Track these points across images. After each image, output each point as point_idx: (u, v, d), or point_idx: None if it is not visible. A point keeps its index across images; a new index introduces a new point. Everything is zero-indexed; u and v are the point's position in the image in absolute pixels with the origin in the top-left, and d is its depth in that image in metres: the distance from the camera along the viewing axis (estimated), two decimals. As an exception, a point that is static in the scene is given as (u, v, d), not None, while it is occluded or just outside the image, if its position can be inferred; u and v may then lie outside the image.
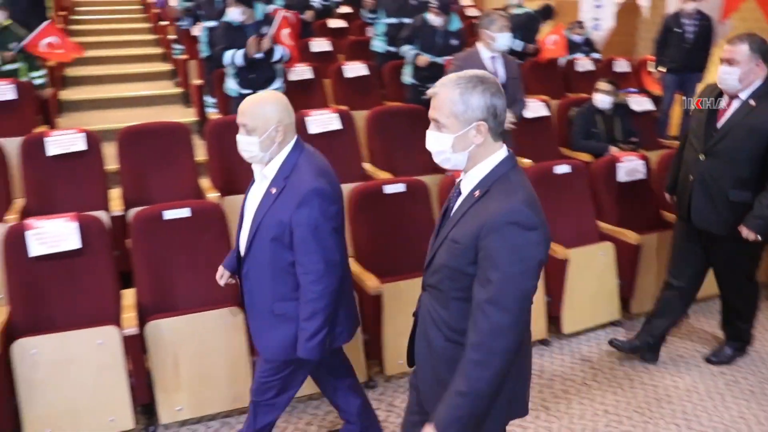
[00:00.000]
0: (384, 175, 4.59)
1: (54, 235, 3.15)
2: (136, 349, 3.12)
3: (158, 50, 9.01)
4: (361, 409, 2.89)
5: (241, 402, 3.32)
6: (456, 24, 5.87)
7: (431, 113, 1.91)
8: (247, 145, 2.45)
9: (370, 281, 3.45)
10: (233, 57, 5.10)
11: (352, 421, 2.91)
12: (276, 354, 2.60)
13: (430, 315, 2.02)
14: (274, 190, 2.45)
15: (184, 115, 6.72)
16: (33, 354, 3.00)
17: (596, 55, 7.59)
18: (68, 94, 7.32)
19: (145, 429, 3.28)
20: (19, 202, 4.13)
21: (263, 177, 2.50)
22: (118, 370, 3.10)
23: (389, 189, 3.77)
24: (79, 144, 4.13)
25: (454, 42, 5.70)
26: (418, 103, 5.31)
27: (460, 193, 1.95)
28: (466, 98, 1.83)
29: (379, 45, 6.77)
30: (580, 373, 3.81)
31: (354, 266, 3.61)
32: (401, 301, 3.50)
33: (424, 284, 2.07)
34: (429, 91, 1.90)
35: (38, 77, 5.91)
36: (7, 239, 3.14)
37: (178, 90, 7.69)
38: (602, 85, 5.20)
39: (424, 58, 5.60)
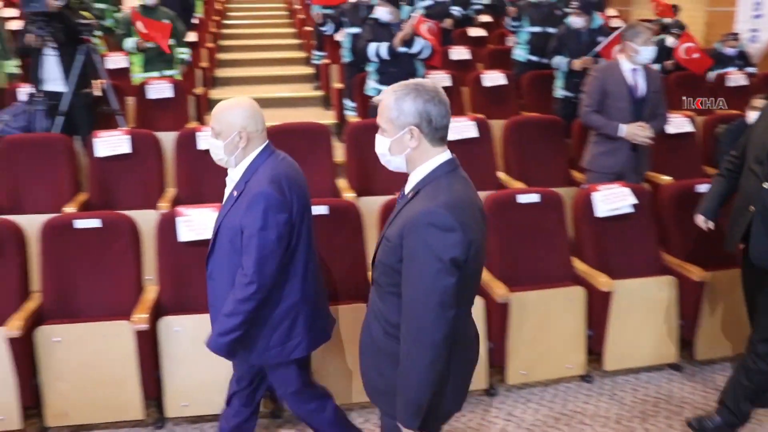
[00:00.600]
0: (518, 184, 4.57)
1: (202, 222, 3.34)
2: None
3: (301, 54, 9.36)
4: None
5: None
6: (598, 21, 5.82)
7: (377, 118, 2.04)
8: (213, 148, 2.53)
9: (499, 289, 3.44)
10: (378, 49, 5.23)
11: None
12: (239, 359, 2.66)
13: (373, 308, 2.14)
14: (235, 194, 2.51)
15: (324, 117, 6.94)
16: (176, 331, 3.23)
17: (751, 69, 7.20)
18: (217, 94, 7.73)
19: (272, 413, 3.44)
20: (171, 191, 4.43)
21: (231, 180, 2.56)
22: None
23: (523, 199, 3.74)
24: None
25: (601, 39, 5.61)
26: (567, 117, 5.25)
27: (404, 194, 2.06)
28: (399, 104, 1.95)
29: (520, 54, 6.72)
30: (613, 414, 3.50)
31: (483, 273, 3.61)
32: (528, 311, 3.49)
33: (371, 279, 2.16)
34: (374, 99, 2.00)
35: (183, 53, 6.37)
36: (161, 225, 3.37)
37: (319, 93, 7.96)
38: (757, 101, 4.92)
39: (580, 60, 5.54)
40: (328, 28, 7.13)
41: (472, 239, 1.90)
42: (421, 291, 1.89)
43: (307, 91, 8.17)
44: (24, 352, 3.13)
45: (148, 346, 3.20)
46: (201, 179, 4.39)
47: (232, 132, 2.47)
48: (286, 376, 2.71)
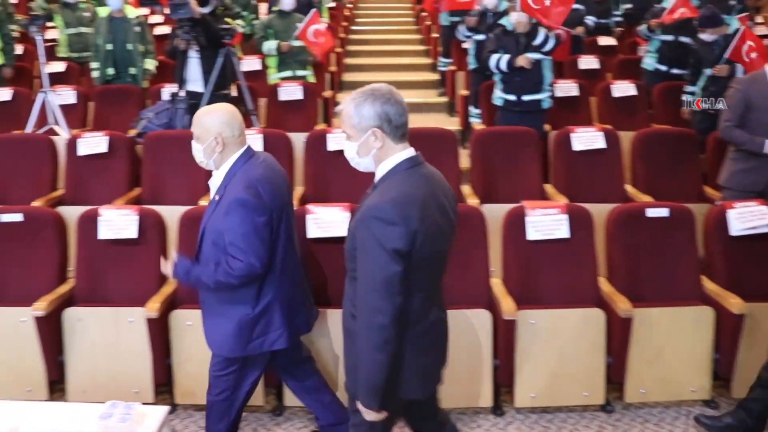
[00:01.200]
0: (646, 198, 4.44)
1: (329, 220, 3.47)
2: None
3: (427, 60, 9.45)
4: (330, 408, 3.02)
5: (477, 401, 3.44)
6: (735, 25, 5.61)
7: (342, 127, 2.24)
8: (195, 152, 2.70)
9: (622, 303, 3.36)
10: (498, 61, 5.23)
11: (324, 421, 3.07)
12: (218, 348, 2.77)
13: (346, 292, 2.30)
14: (217, 197, 2.66)
15: (448, 124, 6.98)
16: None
17: None
18: (343, 97, 7.88)
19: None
20: (299, 190, 4.61)
21: (213, 185, 2.70)
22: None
23: (652, 213, 3.64)
24: (356, 143, 4.50)
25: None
26: (705, 131, 5.08)
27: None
28: (359, 110, 2.12)
29: (649, 63, 6.52)
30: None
31: (605, 286, 3.56)
32: (651, 327, 3.40)
33: None
34: (336, 108, 2.14)
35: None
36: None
37: (444, 99, 8.02)
38: None
39: (715, 68, 5.35)
40: (471, 35, 7.10)
41: (416, 230, 2.05)
42: (370, 278, 2.08)
43: (431, 97, 8.26)
44: (159, 333, 3.36)
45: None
46: (329, 179, 4.54)
47: (209, 137, 2.61)
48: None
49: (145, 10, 8.36)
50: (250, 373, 2.84)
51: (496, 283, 3.59)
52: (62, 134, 5.56)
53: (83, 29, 7.17)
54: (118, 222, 3.55)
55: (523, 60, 5.12)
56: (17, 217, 3.64)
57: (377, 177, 2.21)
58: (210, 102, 5.24)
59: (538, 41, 5.25)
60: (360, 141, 2.17)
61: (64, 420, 2.50)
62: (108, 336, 3.41)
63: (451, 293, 3.41)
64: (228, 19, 5.29)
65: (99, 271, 3.59)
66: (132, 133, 5.46)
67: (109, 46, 6.16)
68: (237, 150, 2.67)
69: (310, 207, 3.52)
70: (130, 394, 3.32)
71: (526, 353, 3.39)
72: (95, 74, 6.32)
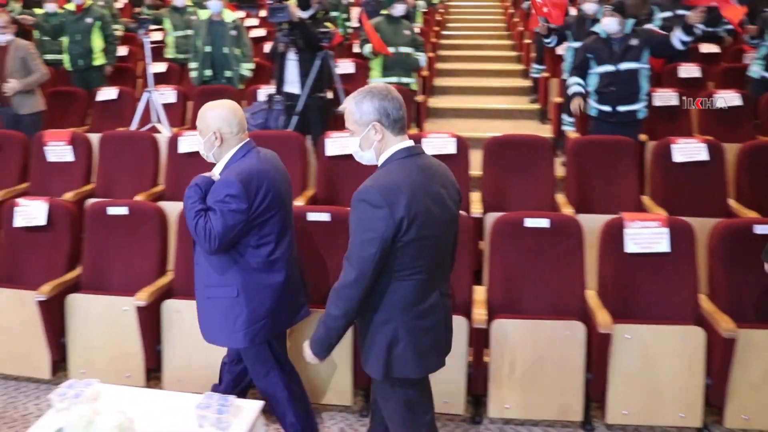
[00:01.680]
0: (750, 214, 4.25)
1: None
2: (480, 342, 3.32)
3: (518, 66, 9.35)
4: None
5: (567, 414, 3.37)
6: None
7: (346, 124, 2.41)
8: (197, 145, 2.86)
9: (725, 323, 3.22)
10: (572, 88, 5.20)
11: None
12: (208, 336, 2.90)
13: None
14: None
15: (539, 131, 6.87)
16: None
17: None
18: (435, 102, 7.95)
19: (472, 419, 3.50)
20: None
21: (215, 175, 2.81)
22: (459, 359, 3.32)
23: (760, 230, 3.48)
24: (449, 147, 4.50)
25: None
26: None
27: None
28: (360, 106, 2.31)
29: (756, 70, 6.22)
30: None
31: (705, 304, 3.43)
32: (756, 349, 3.24)
33: None
34: (339, 108, 2.38)
35: (419, 56, 6.50)
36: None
37: (536, 106, 7.91)
38: None
39: None
40: (551, 41, 7.04)
41: (401, 217, 2.19)
42: (352, 254, 2.26)
43: (523, 103, 8.15)
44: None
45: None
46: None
47: (208, 132, 2.78)
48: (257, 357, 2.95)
49: (241, 14, 8.61)
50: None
51: (591, 295, 3.51)
52: (164, 132, 5.77)
53: (190, 32, 7.43)
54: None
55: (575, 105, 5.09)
56: (123, 211, 3.81)
57: (379, 164, 2.38)
58: (306, 104, 5.34)
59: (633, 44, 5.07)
60: (362, 135, 2.35)
61: (163, 407, 2.59)
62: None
63: (544, 303, 3.45)
64: (328, 23, 5.35)
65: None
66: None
67: (208, 49, 6.37)
68: (236, 145, 2.81)
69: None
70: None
71: (620, 368, 3.30)
72: (193, 75, 6.54)
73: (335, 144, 4.59)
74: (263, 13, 9.85)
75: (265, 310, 2.82)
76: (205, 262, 2.83)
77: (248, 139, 2.85)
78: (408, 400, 2.49)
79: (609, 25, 5.09)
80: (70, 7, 7.03)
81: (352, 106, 2.34)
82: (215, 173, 2.82)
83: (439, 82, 8.71)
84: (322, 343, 2.39)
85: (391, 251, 2.23)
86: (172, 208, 4.00)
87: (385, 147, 2.34)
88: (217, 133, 2.76)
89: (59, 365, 3.83)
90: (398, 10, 6.28)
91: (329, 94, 5.44)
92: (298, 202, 4.33)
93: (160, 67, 7.32)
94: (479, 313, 3.33)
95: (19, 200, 3.99)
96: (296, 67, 5.42)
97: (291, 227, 2.93)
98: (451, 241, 2.47)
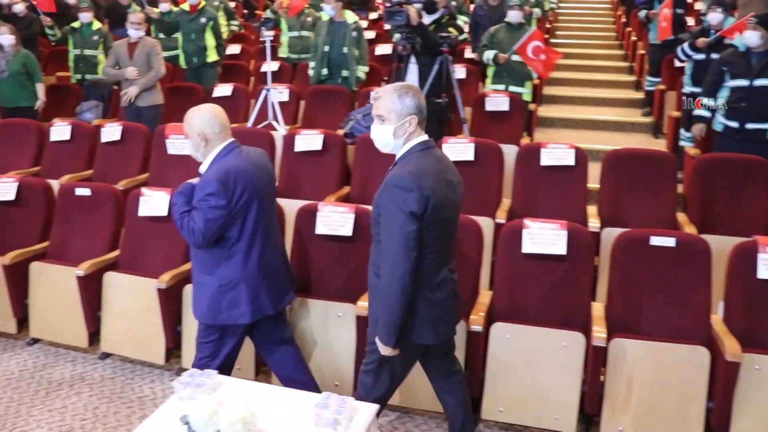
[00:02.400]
0: None
1: (544, 237, 3.43)
2: (597, 360, 3.24)
3: (630, 78, 9.10)
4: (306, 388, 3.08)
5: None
6: None
7: (375, 111, 2.65)
8: (186, 146, 3.15)
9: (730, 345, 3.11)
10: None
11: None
12: (200, 316, 3.13)
13: (371, 255, 2.75)
14: None
15: (652, 145, 6.68)
16: (507, 338, 3.34)
17: None
18: (545, 111, 7.83)
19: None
20: (506, 202, 4.59)
21: (202, 172, 3.06)
22: (574, 376, 3.28)
23: None
24: (569, 159, 4.43)
25: None
26: None
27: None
28: (402, 100, 2.59)
29: None
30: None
31: None
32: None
33: None
34: (372, 95, 2.82)
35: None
36: (505, 235, 3.55)
37: (648, 119, 7.67)
38: None
39: None
40: (684, 52, 6.73)
41: (429, 196, 2.51)
42: (391, 235, 2.54)
43: (634, 116, 7.92)
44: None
45: (480, 347, 3.35)
46: (538, 194, 4.49)
47: (193, 134, 3.01)
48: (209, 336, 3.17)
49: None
50: (227, 343, 3.17)
51: (716, 321, 3.37)
52: (279, 130, 5.90)
53: (304, 33, 7.60)
54: (334, 219, 3.70)
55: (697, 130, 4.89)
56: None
57: (398, 156, 2.67)
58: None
59: None
60: (397, 124, 2.61)
61: (281, 403, 2.60)
62: (317, 328, 3.59)
63: (665, 324, 3.35)
64: (451, 28, 5.33)
65: (312, 265, 3.76)
66: (339, 132, 5.68)
67: (326, 48, 6.48)
68: (219, 144, 3.03)
69: (526, 221, 3.49)
70: (332, 387, 3.50)
71: (746, 400, 3.14)
72: (311, 73, 6.67)
73: (452, 149, 4.58)
74: (373, 15, 9.96)
75: (246, 296, 3.06)
76: (195, 254, 3.13)
77: (232, 139, 3.09)
78: (405, 362, 2.81)
79: (750, 38, 4.86)
80: (185, 6, 7.33)
81: (395, 97, 2.60)
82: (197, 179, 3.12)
83: (549, 90, 8.57)
84: (387, 328, 2.60)
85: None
86: (286, 206, 4.07)
87: (411, 138, 2.65)
88: (201, 134, 2.99)
89: (172, 352, 3.98)
90: (513, 16, 6.20)
91: (446, 100, 5.39)
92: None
93: (274, 65, 7.50)
94: (598, 330, 3.26)
95: (144, 190, 4.15)
96: (416, 71, 5.44)
97: (272, 220, 3.19)
98: (457, 224, 2.79)
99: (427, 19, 5.52)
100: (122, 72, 6.09)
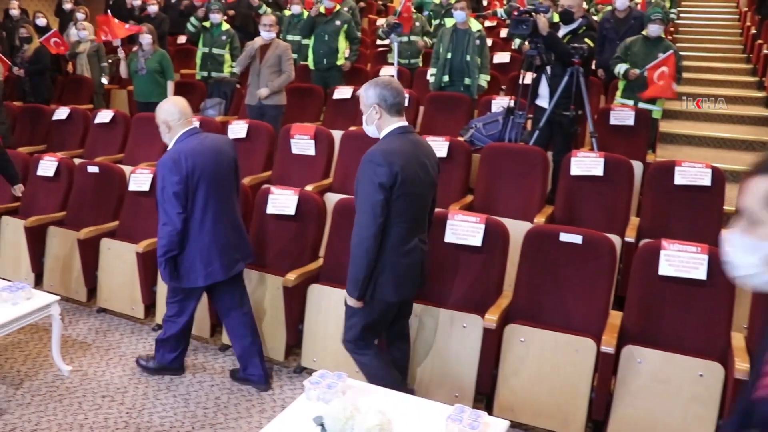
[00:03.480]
0: None
1: (684, 260, 3.33)
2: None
3: (759, 94, 8.69)
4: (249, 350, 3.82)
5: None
6: None
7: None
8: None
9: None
10: None
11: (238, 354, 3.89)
12: (166, 281, 3.69)
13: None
14: None
15: (784, 167, 6.33)
16: (638, 363, 3.26)
17: None
18: (664, 126, 7.57)
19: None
20: (634, 221, 4.48)
21: None
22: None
23: None
24: (705, 179, 4.29)
25: None
26: None
27: None
28: (366, 92, 3.03)
29: None
30: None
31: None
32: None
33: None
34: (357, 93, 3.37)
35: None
36: (640, 255, 3.47)
37: (782, 140, 7.31)
38: None
39: None
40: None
41: (397, 172, 2.88)
42: (362, 202, 2.95)
43: (765, 135, 7.56)
44: (493, 343, 3.46)
45: (608, 368, 3.28)
46: (668, 214, 4.36)
47: (160, 122, 3.59)
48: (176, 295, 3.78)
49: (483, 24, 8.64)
50: (190, 303, 3.78)
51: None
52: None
53: (414, 38, 7.64)
54: (464, 228, 3.70)
55: None
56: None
57: (380, 139, 3.06)
58: (549, 120, 5.26)
59: None
60: (366, 114, 3.05)
61: (412, 412, 2.62)
62: (441, 337, 3.60)
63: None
64: (587, 39, 5.21)
65: (439, 273, 3.74)
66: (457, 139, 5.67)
67: (449, 55, 6.49)
68: (180, 130, 3.59)
69: (664, 243, 3.40)
70: (451, 397, 3.49)
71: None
72: (431, 79, 6.70)
73: (580, 164, 4.51)
74: (488, 23, 9.90)
75: (200, 263, 3.57)
76: (159, 229, 3.60)
77: (191, 126, 3.62)
78: (376, 317, 3.16)
79: None
80: (321, 9, 7.48)
81: (362, 90, 3.06)
82: None
83: (669, 105, 8.28)
84: (353, 282, 3.02)
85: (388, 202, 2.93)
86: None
87: (384, 125, 3.04)
88: (165, 122, 3.58)
89: (292, 350, 4.10)
90: (653, 30, 5.99)
91: (574, 113, 5.28)
92: (539, 219, 4.30)
93: (391, 70, 7.58)
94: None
95: (273, 188, 4.27)
96: (546, 82, 5.37)
97: (226, 199, 3.66)
98: (429, 201, 3.16)
99: (563, 30, 5.43)
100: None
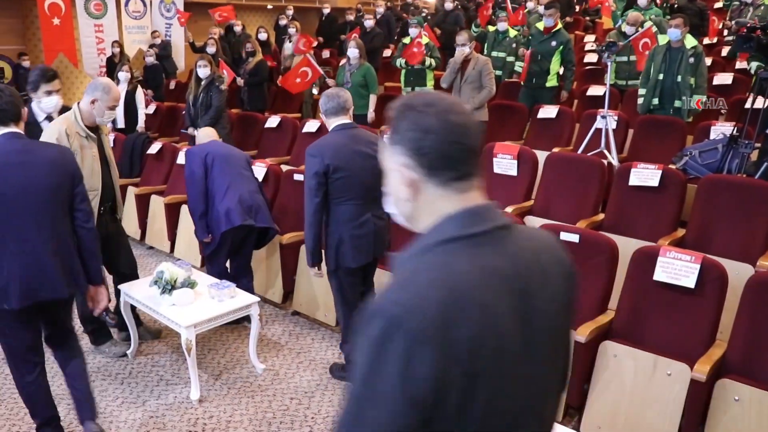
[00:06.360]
0: None
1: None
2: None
3: None
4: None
5: None
6: None
7: None
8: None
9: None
10: None
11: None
12: None
13: None
14: None
15: None
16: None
17: None
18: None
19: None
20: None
21: None
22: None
23: None
24: None
25: None
26: None
27: None
28: (320, 102, 3.85)
29: None
30: None
31: None
32: None
33: None
34: None
35: None
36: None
37: None
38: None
39: None
40: None
41: (329, 162, 3.52)
42: (305, 185, 3.63)
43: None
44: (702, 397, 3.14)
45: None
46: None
47: None
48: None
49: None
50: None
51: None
52: (611, 160, 5.63)
53: (633, 57, 7.21)
54: (676, 266, 3.39)
55: None
56: (573, 238, 3.76)
57: None
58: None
59: None
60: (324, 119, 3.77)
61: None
62: (640, 381, 3.31)
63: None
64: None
65: (644, 312, 3.50)
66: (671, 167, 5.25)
67: (660, 76, 6.08)
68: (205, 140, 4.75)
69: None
70: None
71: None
72: (640, 101, 6.31)
73: None
74: (707, 41, 9.21)
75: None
76: None
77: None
78: (345, 283, 3.78)
79: None
80: (539, 26, 7.30)
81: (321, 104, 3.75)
82: None
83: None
84: (307, 251, 3.77)
85: (327, 184, 3.55)
86: (621, 244, 3.84)
87: (331, 123, 3.70)
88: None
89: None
90: None
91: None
92: (765, 262, 3.85)
93: (598, 90, 7.24)
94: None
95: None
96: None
97: (243, 185, 4.50)
98: (373, 182, 3.44)
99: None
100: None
